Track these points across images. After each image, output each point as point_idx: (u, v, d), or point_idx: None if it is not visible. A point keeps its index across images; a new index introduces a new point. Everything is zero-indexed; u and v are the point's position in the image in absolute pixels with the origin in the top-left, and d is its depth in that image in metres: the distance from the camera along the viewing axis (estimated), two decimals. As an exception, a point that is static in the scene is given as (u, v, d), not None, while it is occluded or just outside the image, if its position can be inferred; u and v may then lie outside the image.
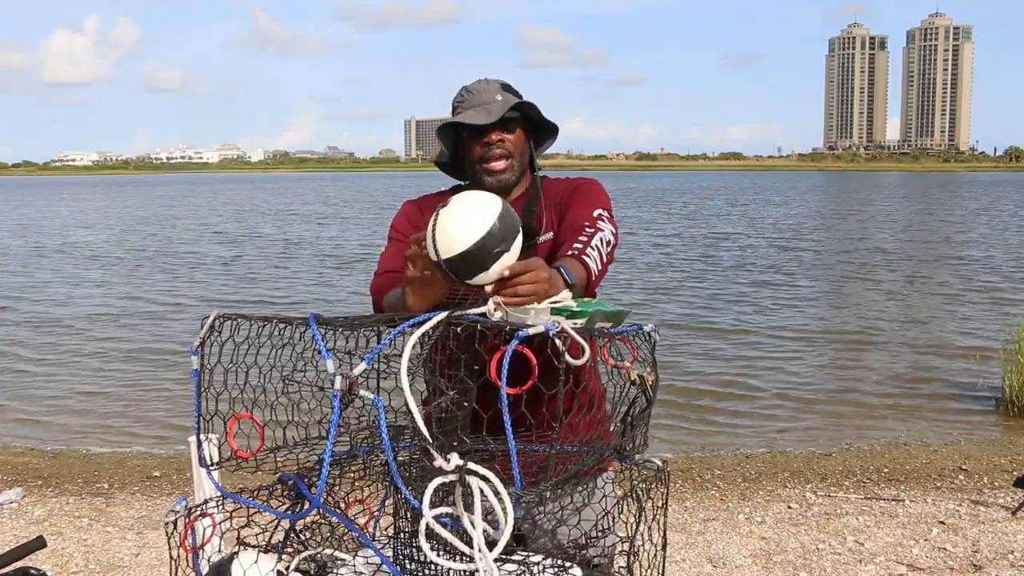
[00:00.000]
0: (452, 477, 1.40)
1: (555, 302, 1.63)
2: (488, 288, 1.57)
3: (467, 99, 2.12)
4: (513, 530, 1.43)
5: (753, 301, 14.42)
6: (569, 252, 1.91)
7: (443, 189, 2.28)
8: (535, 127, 2.20)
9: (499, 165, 2.10)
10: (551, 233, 2.13)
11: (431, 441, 1.42)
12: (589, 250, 1.91)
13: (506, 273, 1.57)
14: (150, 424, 7.87)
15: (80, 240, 27.83)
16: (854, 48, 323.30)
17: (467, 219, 1.56)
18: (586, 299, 1.83)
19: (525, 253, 1.86)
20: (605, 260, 1.97)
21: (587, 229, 1.99)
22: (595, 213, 2.06)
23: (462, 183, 2.25)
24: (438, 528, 1.41)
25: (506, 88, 2.13)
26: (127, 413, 8.23)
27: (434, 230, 1.57)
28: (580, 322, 1.60)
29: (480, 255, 1.55)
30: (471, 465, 1.40)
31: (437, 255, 1.56)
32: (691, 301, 14.45)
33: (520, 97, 2.14)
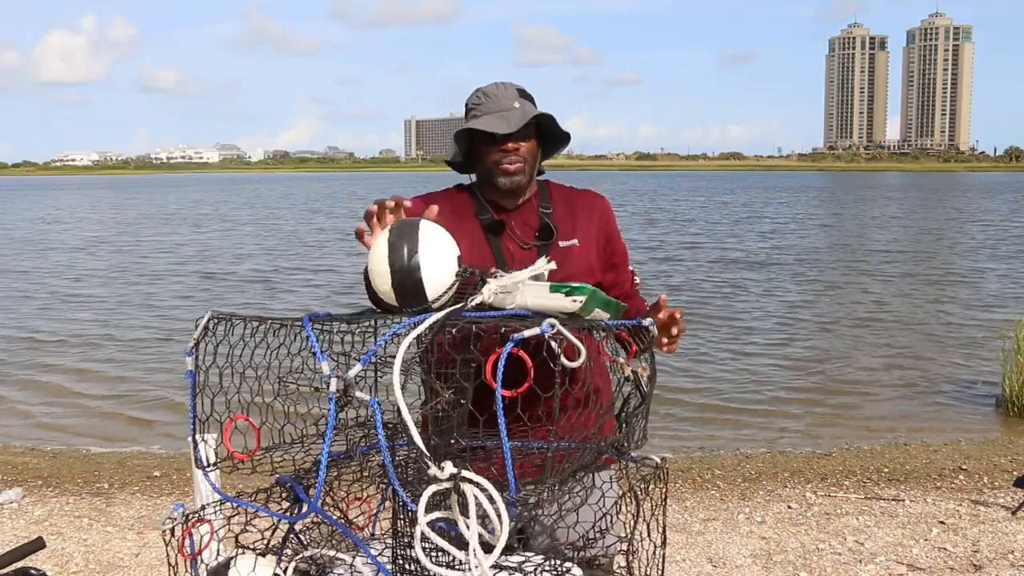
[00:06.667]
0: (447, 485, 1.40)
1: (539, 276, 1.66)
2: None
3: (484, 103, 2.15)
4: (514, 526, 1.43)
5: (753, 299, 14.42)
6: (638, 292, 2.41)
7: (449, 189, 2.31)
8: (546, 135, 2.24)
9: (513, 167, 2.15)
10: (575, 240, 2.21)
11: (426, 453, 1.41)
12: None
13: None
14: (150, 424, 7.87)
15: (80, 237, 27.87)
16: (854, 48, 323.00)
17: (372, 267, 1.68)
18: (580, 284, 1.84)
19: (543, 252, 2.04)
20: None
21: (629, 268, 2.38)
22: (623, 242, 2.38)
23: (465, 183, 2.29)
24: (433, 536, 1.41)
25: (522, 94, 2.18)
26: (127, 413, 8.23)
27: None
28: (580, 299, 1.62)
29: (408, 287, 1.62)
30: (465, 473, 1.40)
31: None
32: (689, 298, 14.44)
33: (533, 102, 2.19)
